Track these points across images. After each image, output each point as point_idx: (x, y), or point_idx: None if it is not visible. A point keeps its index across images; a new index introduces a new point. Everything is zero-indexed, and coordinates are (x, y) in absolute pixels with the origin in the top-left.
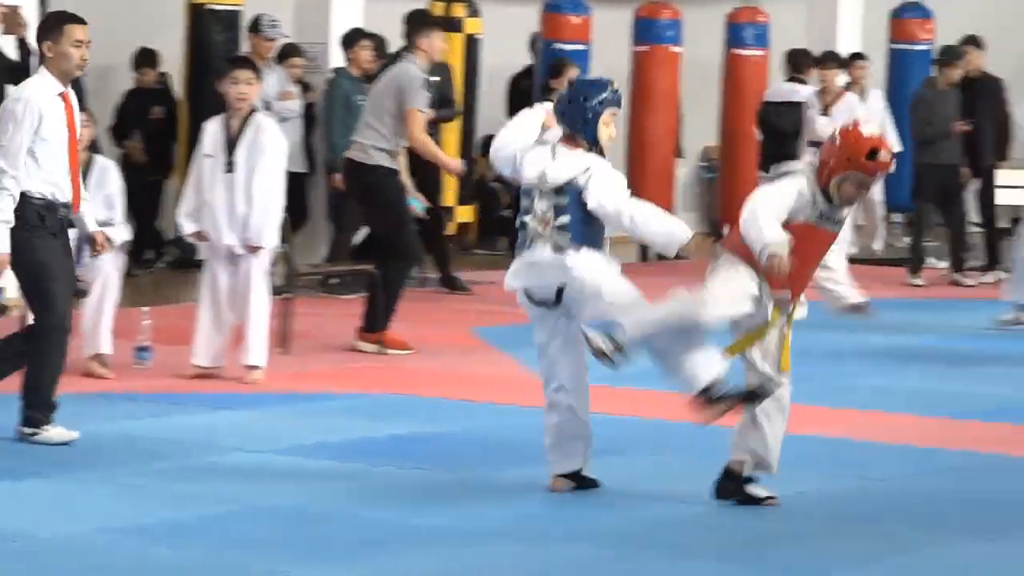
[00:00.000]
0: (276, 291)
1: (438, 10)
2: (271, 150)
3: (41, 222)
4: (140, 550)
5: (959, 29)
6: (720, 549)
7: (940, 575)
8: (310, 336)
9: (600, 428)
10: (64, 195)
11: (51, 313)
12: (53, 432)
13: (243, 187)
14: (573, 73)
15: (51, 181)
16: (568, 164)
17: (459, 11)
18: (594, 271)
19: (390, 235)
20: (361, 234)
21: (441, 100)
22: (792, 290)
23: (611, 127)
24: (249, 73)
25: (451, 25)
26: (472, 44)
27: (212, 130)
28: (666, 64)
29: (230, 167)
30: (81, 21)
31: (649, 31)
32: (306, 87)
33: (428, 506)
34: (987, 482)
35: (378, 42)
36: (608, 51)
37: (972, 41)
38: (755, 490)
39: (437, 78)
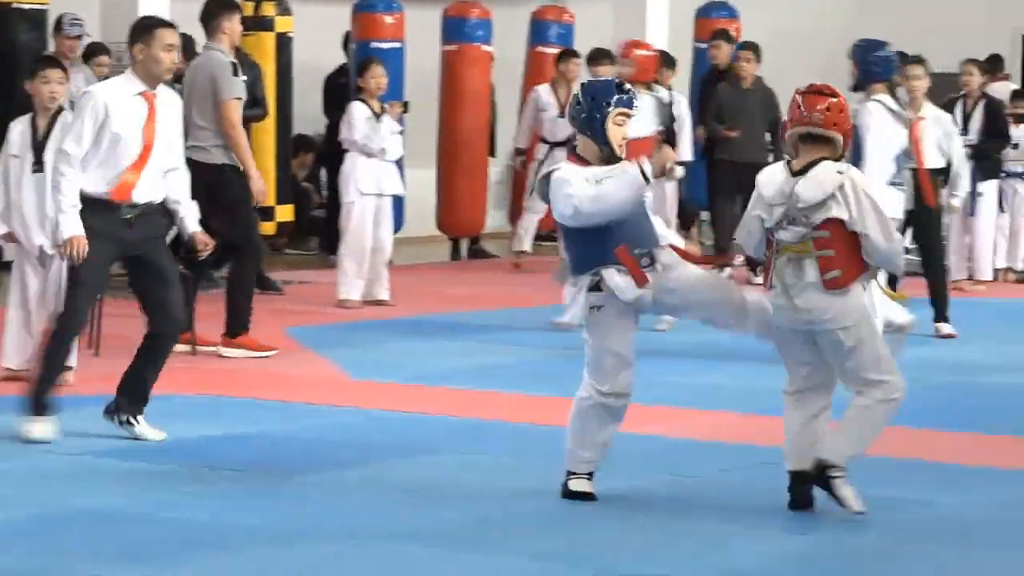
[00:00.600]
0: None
1: (248, 9)
2: None
3: (85, 221)
4: None
5: (765, 29)
6: (532, 547)
7: (751, 570)
8: (121, 338)
9: (413, 428)
10: (131, 196)
11: (66, 312)
12: (41, 426)
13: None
14: (378, 71)
15: (112, 180)
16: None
17: (269, 10)
18: None
19: (237, 234)
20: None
21: (252, 100)
22: None
23: (624, 127)
24: (59, 72)
25: (262, 24)
26: (283, 42)
27: (18, 130)
28: (476, 63)
29: (38, 167)
30: (171, 25)
31: (459, 30)
32: None
33: (243, 507)
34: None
35: (186, 41)
36: (420, 50)
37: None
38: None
39: (246, 78)
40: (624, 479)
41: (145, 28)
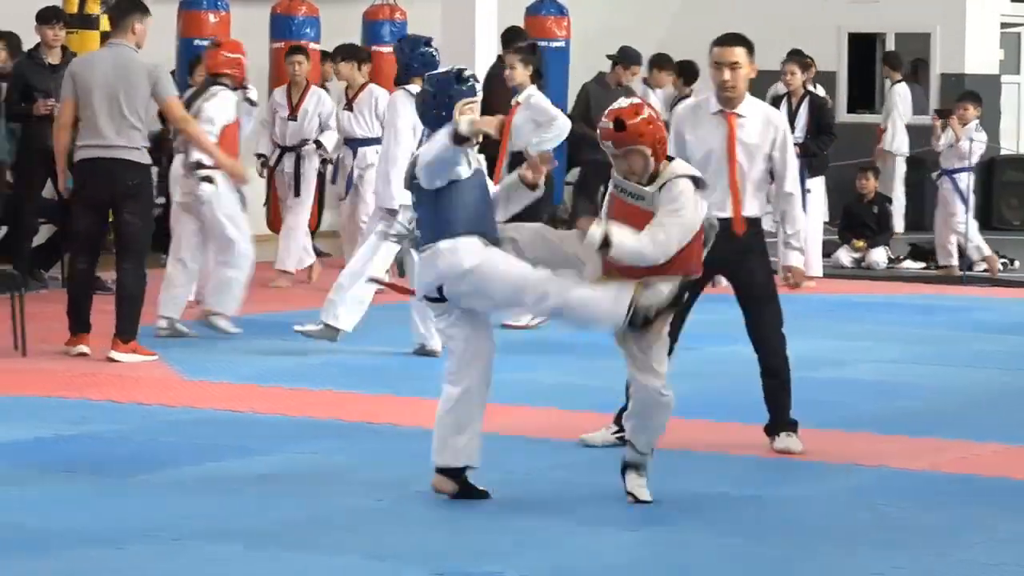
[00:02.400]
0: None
1: (72, 7)
2: None
3: None
4: None
5: (592, 26)
6: (367, 546)
7: (586, 567)
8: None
9: (245, 428)
10: None
11: None
12: None
13: None
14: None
15: None
16: None
17: (94, 7)
18: None
19: (144, 236)
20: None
21: None
22: None
23: (471, 114)
24: None
25: (87, 22)
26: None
27: None
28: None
29: None
30: None
31: (287, 27)
32: None
33: (72, 508)
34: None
35: (10, 40)
36: (248, 48)
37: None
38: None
39: None
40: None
41: None
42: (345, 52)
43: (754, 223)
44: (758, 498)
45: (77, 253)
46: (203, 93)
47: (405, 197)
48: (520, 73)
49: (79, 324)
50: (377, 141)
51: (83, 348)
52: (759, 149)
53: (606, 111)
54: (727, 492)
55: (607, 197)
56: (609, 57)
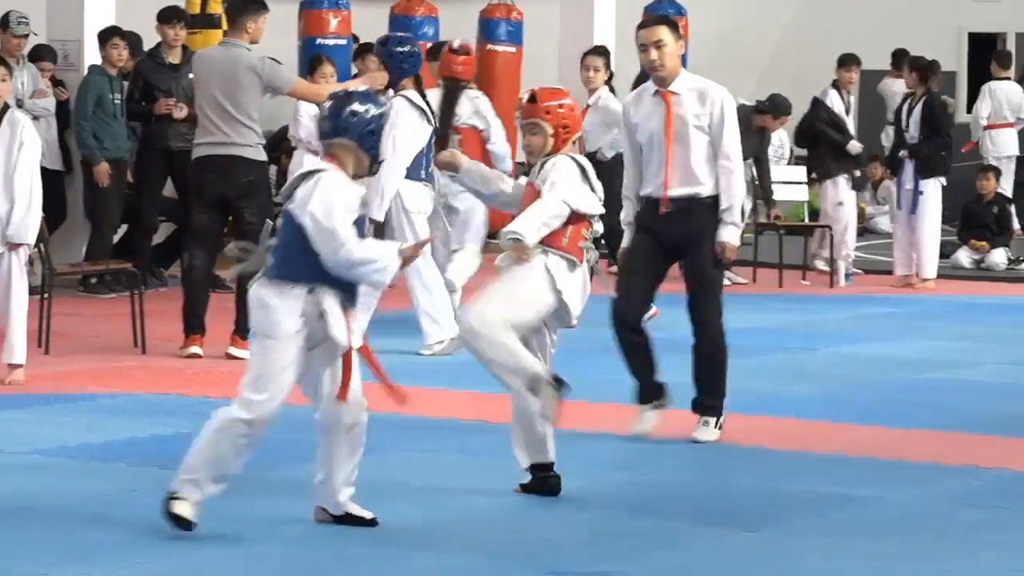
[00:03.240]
0: (34, 290)
1: (194, 7)
2: (29, 147)
3: None
4: None
5: (711, 26)
6: (484, 545)
7: (703, 567)
8: (70, 336)
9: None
10: None
11: None
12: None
13: (2, 184)
14: (327, 70)
15: None
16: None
17: (216, 7)
18: None
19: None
20: (121, 233)
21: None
22: None
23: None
24: (2, 70)
25: (209, 21)
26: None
27: None
28: None
29: None
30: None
31: (406, 27)
32: (59, 84)
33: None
34: (746, 474)
35: (132, 39)
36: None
37: None
38: None
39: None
40: (581, 478)
41: None
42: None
43: (708, 204)
44: (877, 499)
45: (193, 251)
46: (455, 96)
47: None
48: (602, 76)
49: (193, 325)
50: None
51: (195, 349)
52: (694, 124)
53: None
54: (846, 493)
55: None
56: (758, 104)
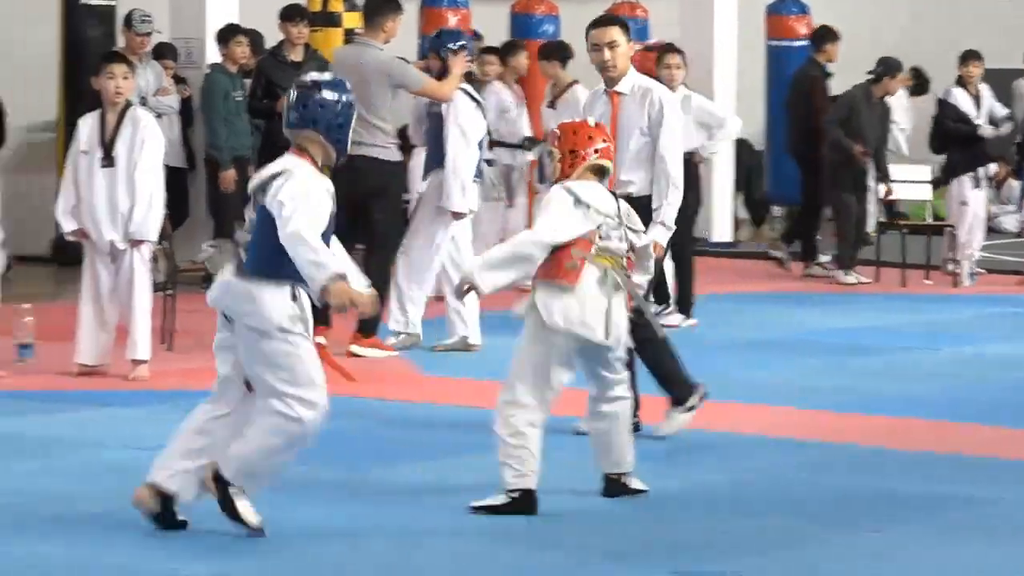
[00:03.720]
0: (157, 288)
1: (316, 5)
2: (151, 144)
3: None
4: (29, 546)
5: (835, 25)
6: (607, 544)
7: (826, 567)
8: (192, 333)
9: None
10: None
11: None
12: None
13: (124, 182)
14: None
15: None
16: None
17: (337, 5)
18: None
19: (394, 232)
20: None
21: None
22: None
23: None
24: (124, 67)
25: (330, 20)
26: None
27: (87, 126)
28: None
29: (110, 162)
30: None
31: (526, 26)
32: (182, 82)
33: (310, 504)
34: (869, 474)
35: (253, 37)
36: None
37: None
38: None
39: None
40: (694, 476)
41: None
42: (549, 50)
43: (642, 203)
44: (999, 500)
45: None
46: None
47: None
48: (682, 74)
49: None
50: None
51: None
52: (635, 124)
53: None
54: (967, 493)
55: None
56: (870, 73)
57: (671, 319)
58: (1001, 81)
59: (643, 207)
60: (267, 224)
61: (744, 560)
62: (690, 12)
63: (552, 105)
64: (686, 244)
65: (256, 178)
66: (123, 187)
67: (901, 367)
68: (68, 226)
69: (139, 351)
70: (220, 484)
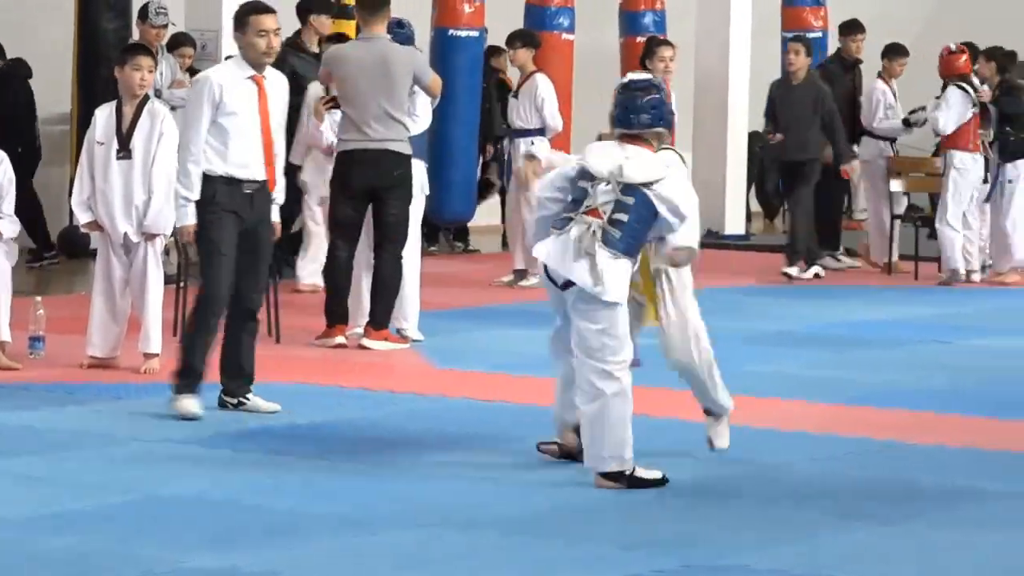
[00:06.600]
0: (169, 280)
1: None
2: (169, 138)
3: (213, 199)
4: (40, 540)
5: (850, 16)
6: (617, 536)
7: (837, 560)
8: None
9: (495, 416)
10: (251, 174)
11: (208, 287)
12: (182, 403)
13: (140, 174)
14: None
15: (236, 160)
16: (648, 165)
17: None
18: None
19: (404, 225)
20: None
21: None
22: None
23: None
24: (150, 60)
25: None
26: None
27: (104, 117)
28: (557, 51)
29: (127, 154)
30: (269, 10)
31: (541, 17)
32: (197, 74)
33: (326, 495)
34: (881, 468)
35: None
36: (500, 39)
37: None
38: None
39: None
40: (707, 468)
41: (240, 16)
42: (524, 38)
43: None
44: (1014, 493)
45: (337, 241)
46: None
47: None
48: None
49: (336, 315)
50: (533, 132)
51: (340, 339)
52: None
53: None
54: (981, 487)
55: None
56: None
57: None
58: None
59: None
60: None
61: (755, 553)
62: (707, 4)
63: (516, 94)
64: None
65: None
66: (139, 180)
67: (913, 360)
68: (83, 217)
69: (151, 344)
70: None
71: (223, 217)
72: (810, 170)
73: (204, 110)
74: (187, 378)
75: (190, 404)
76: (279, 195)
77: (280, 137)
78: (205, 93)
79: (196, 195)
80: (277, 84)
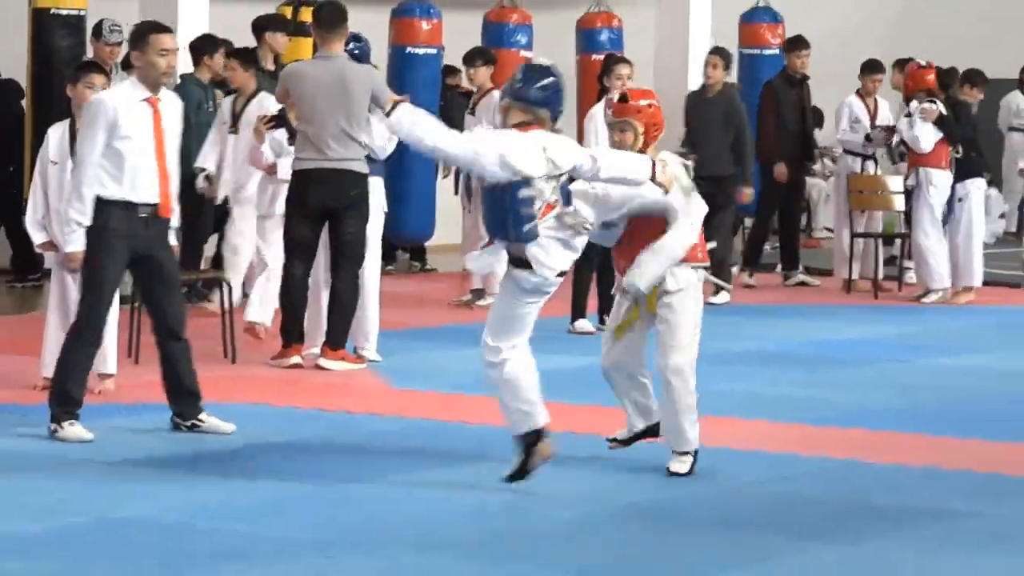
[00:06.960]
0: (124, 301)
1: (286, 14)
2: None
3: (106, 225)
4: None
5: (808, 33)
6: (575, 557)
7: None
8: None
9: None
10: (146, 197)
11: (87, 315)
12: (70, 431)
13: None
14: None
15: (130, 184)
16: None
17: (308, 16)
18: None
19: (360, 246)
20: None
21: None
22: None
23: None
24: (103, 77)
25: (300, 30)
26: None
27: (57, 135)
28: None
29: None
30: (167, 30)
31: (499, 35)
32: None
33: (280, 516)
34: (842, 487)
35: (229, 48)
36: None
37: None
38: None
39: None
40: (667, 488)
41: (140, 34)
42: (484, 56)
43: None
44: (976, 513)
45: (293, 261)
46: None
47: None
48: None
49: (293, 335)
50: None
51: (296, 359)
52: None
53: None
54: (945, 506)
55: None
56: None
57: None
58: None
59: None
60: None
61: (720, 574)
62: (665, 21)
63: (472, 111)
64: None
65: None
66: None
67: (874, 379)
68: (38, 238)
69: (107, 364)
70: None
71: (113, 244)
72: (731, 189)
73: (99, 134)
74: (67, 406)
75: (78, 431)
76: (174, 219)
77: (174, 160)
78: (100, 116)
79: (88, 220)
80: (171, 106)
